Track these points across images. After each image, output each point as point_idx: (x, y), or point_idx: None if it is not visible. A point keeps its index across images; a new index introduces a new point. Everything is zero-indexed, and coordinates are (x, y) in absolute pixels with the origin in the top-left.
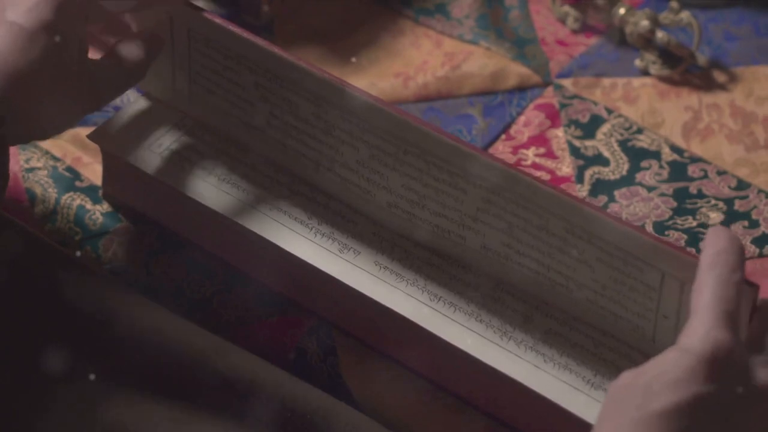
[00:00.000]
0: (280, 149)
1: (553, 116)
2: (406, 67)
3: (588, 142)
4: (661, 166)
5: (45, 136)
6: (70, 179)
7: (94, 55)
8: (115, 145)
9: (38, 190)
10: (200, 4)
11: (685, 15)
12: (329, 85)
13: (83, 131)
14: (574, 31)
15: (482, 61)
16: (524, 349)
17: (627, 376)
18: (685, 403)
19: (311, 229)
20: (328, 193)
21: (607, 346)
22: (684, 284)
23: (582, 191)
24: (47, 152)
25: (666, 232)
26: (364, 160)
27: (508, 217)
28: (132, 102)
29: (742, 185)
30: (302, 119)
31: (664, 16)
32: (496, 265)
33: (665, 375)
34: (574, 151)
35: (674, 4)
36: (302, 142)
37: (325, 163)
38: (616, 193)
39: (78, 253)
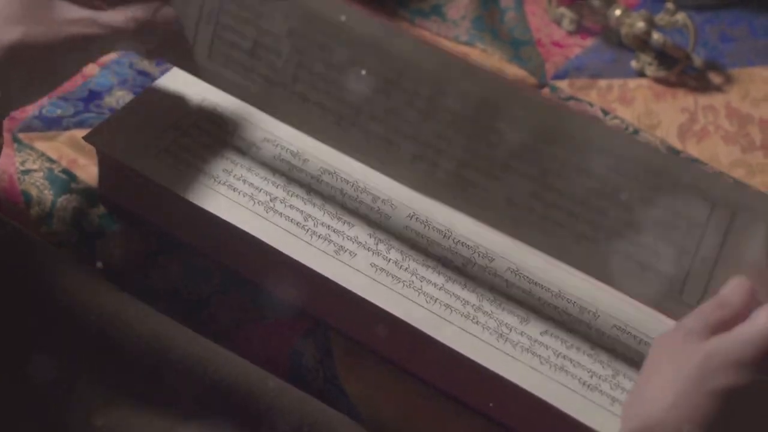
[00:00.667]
0: (300, 106)
1: None
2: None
3: None
4: None
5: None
6: (66, 181)
7: None
8: (111, 147)
9: (34, 192)
10: None
11: (680, 16)
12: (374, 27)
13: (79, 133)
14: (570, 33)
15: (479, 63)
16: (520, 350)
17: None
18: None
19: (307, 231)
20: (352, 151)
21: (604, 348)
22: (735, 214)
23: None
24: (43, 154)
25: None
26: (398, 107)
27: (548, 163)
28: (128, 103)
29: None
30: (334, 66)
31: (660, 18)
32: (510, 225)
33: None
34: None
35: (670, 6)
36: (327, 93)
37: (349, 115)
38: None
39: (75, 256)
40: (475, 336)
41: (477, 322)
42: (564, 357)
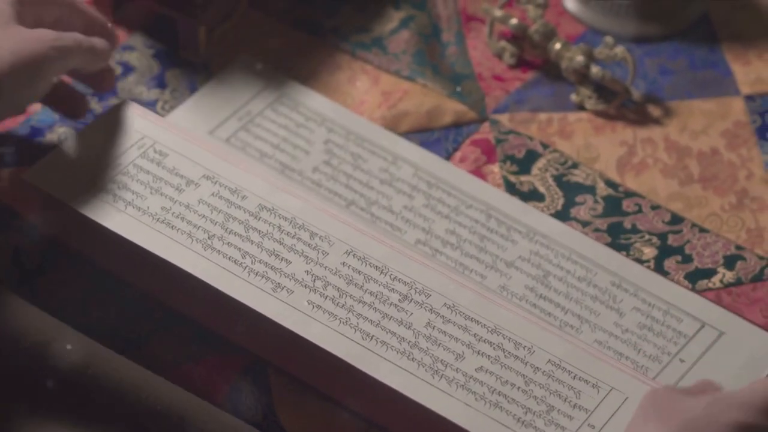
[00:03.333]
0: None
1: (489, 152)
2: (344, 105)
3: (523, 178)
4: (596, 201)
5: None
6: (7, 218)
7: None
8: (51, 186)
9: None
10: (138, 40)
11: (619, 50)
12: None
13: (20, 170)
14: (511, 67)
15: (418, 100)
16: (455, 387)
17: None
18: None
19: (245, 269)
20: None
21: (539, 384)
22: (722, 335)
23: None
24: None
25: None
26: (416, 207)
27: (548, 267)
28: (68, 141)
29: (675, 219)
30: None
31: (599, 51)
32: (494, 307)
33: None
34: (510, 187)
35: (609, 39)
36: (348, 187)
37: (361, 203)
38: None
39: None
40: (410, 373)
41: (413, 359)
42: (499, 393)
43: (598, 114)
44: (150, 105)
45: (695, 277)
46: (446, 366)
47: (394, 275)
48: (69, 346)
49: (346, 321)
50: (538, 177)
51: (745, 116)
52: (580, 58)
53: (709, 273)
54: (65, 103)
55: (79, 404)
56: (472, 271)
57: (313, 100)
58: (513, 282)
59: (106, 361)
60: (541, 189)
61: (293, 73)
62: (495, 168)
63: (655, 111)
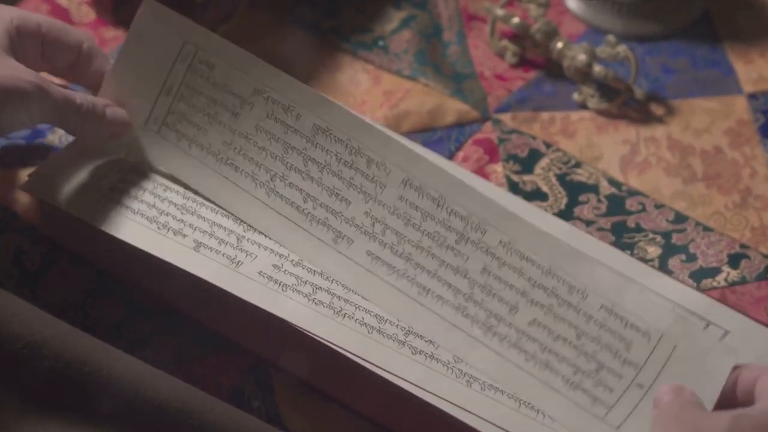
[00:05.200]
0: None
1: (491, 151)
2: (346, 106)
3: (526, 177)
4: (599, 200)
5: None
6: (7, 220)
7: None
8: (49, 193)
9: None
10: None
11: (621, 49)
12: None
13: (20, 171)
14: (513, 66)
15: (420, 99)
16: (507, 345)
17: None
18: None
19: (307, 216)
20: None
21: (590, 336)
22: (727, 334)
23: None
24: None
25: None
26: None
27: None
28: (67, 145)
29: (679, 218)
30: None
31: (602, 50)
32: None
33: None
34: (513, 186)
35: (611, 38)
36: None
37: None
38: None
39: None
40: (464, 332)
41: (467, 315)
42: (549, 351)
43: (601, 113)
44: None
45: (700, 276)
46: (499, 321)
47: (451, 208)
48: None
49: (404, 273)
50: (541, 176)
51: (748, 114)
52: (582, 57)
53: (713, 272)
54: None
55: (76, 400)
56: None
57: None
58: None
59: (104, 355)
60: (545, 188)
61: (293, 72)
62: (498, 167)
63: (657, 110)
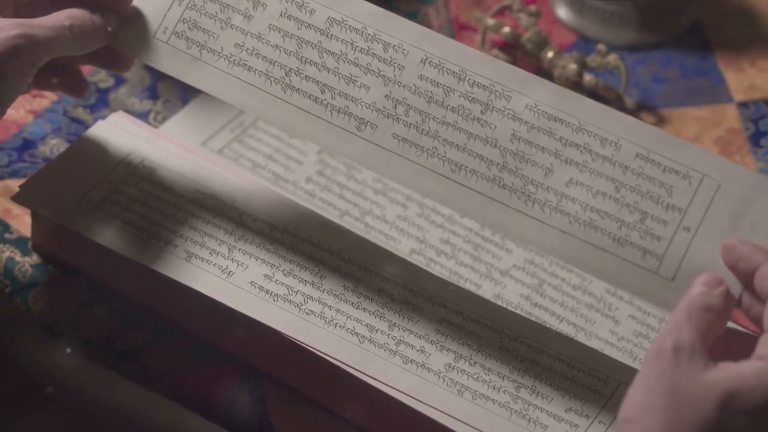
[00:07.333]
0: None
1: None
2: None
3: None
4: None
5: None
6: None
7: None
8: (42, 204)
9: None
10: None
11: (612, 58)
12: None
13: (12, 182)
14: None
15: None
16: (549, 211)
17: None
18: None
19: (326, 107)
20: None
21: (630, 187)
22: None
23: None
24: None
25: None
26: (410, 217)
27: (543, 275)
28: (59, 155)
29: None
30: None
31: (592, 59)
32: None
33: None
34: None
35: (602, 47)
36: (341, 197)
37: (355, 213)
38: None
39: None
40: (504, 204)
41: (504, 186)
42: (591, 209)
43: None
44: (142, 116)
45: None
46: (537, 187)
47: (473, 79)
48: (68, 350)
49: (434, 152)
50: None
51: (738, 123)
52: (573, 66)
53: None
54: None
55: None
56: (467, 280)
57: None
58: (508, 291)
59: (101, 379)
60: None
61: None
62: None
63: (648, 118)
